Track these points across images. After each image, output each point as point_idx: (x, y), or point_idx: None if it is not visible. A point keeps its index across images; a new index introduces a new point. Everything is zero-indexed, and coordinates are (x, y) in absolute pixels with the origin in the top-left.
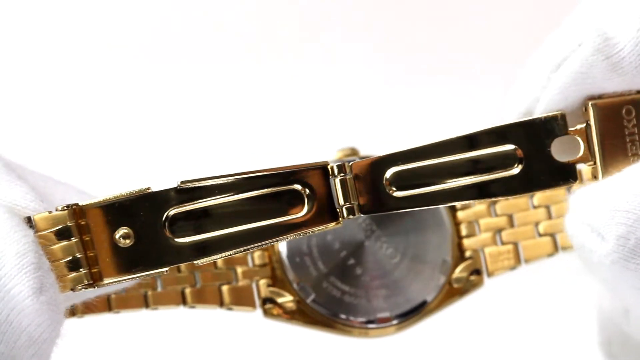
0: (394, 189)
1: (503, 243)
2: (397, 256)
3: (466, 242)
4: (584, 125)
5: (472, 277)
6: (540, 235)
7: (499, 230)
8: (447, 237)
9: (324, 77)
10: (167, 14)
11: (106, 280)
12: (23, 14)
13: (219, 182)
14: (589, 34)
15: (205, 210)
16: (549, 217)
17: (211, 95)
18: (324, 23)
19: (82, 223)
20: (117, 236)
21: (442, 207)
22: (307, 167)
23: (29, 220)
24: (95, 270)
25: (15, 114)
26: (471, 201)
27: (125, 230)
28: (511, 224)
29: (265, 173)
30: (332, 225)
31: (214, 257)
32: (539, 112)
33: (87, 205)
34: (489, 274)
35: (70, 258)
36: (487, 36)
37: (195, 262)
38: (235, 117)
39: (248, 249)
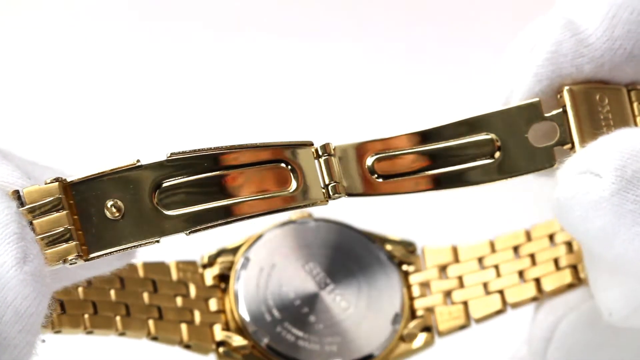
0: (375, 175)
1: (453, 303)
2: (350, 308)
3: (417, 303)
4: (560, 110)
5: (423, 334)
6: (488, 293)
7: (449, 292)
8: (398, 293)
9: (313, 65)
10: None
11: (96, 253)
12: None
13: (207, 154)
14: (556, 17)
15: (194, 183)
16: (498, 275)
17: (202, 83)
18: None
19: (71, 202)
20: (107, 206)
21: (392, 270)
22: (294, 144)
23: (16, 194)
24: (85, 247)
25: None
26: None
27: (116, 202)
28: (461, 285)
29: (252, 147)
30: (319, 202)
31: (204, 226)
32: (515, 99)
33: (76, 179)
34: (440, 334)
35: (62, 229)
36: (483, 29)
37: (185, 232)
38: (223, 102)
39: (237, 221)
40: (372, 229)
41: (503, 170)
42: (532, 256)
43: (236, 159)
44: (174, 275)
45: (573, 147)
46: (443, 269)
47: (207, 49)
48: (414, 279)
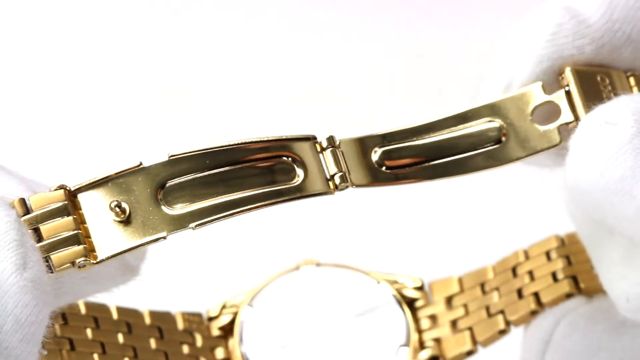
0: (383, 166)
1: (459, 331)
2: (356, 346)
3: (426, 335)
4: (563, 91)
5: None
6: (490, 315)
7: (455, 321)
8: (404, 327)
9: (317, 59)
10: None
11: (106, 255)
12: None
13: (207, 152)
14: (555, 3)
15: (197, 181)
16: (499, 297)
17: (203, 80)
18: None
19: (77, 208)
20: (112, 209)
21: (398, 307)
22: (296, 137)
23: (22, 202)
24: (94, 253)
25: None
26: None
27: (120, 204)
28: (467, 312)
29: (253, 142)
30: (325, 193)
31: (210, 218)
32: (517, 82)
33: (80, 185)
34: None
35: (70, 234)
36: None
37: (192, 226)
38: (225, 98)
39: (243, 212)
40: (378, 269)
41: (510, 154)
42: (530, 273)
43: (237, 155)
44: (180, 325)
45: (579, 122)
46: (449, 300)
47: (208, 44)
48: (422, 314)
